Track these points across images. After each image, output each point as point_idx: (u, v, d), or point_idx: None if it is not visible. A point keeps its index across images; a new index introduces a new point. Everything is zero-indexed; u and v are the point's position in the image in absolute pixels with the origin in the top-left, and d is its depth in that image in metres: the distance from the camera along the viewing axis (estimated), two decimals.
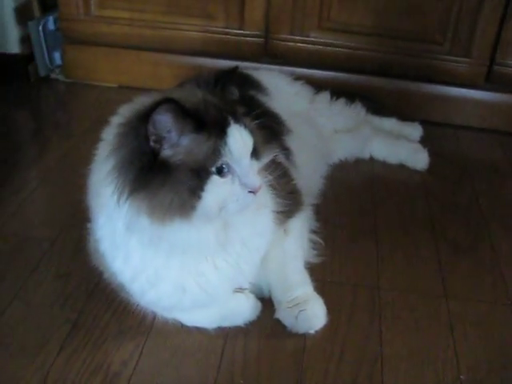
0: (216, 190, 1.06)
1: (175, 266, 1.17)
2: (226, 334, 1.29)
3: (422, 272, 1.52)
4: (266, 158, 1.23)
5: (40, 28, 2.35)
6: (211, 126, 1.06)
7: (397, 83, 2.25)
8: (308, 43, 2.20)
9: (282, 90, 1.89)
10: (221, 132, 1.06)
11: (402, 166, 1.99)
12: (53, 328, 1.28)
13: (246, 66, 2.06)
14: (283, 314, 1.31)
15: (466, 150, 2.15)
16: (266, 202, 1.27)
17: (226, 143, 1.06)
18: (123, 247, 1.16)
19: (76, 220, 1.54)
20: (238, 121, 1.09)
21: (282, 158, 1.52)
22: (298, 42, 2.21)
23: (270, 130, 1.53)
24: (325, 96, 1.99)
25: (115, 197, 1.06)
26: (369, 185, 1.88)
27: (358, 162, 2.00)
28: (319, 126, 1.91)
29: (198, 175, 1.04)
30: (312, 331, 1.30)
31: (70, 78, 2.44)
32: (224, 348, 1.26)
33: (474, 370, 1.25)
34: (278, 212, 1.32)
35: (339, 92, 2.05)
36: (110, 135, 1.13)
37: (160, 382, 1.18)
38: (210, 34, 2.25)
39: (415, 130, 2.10)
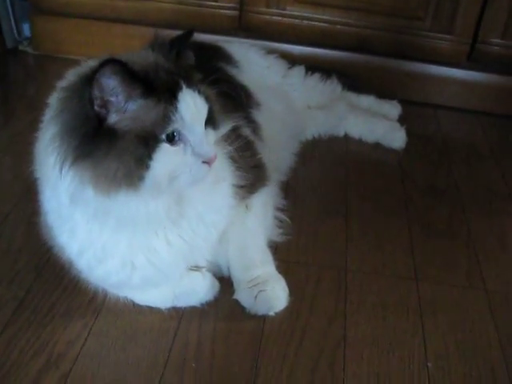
0: (166, 159, 0.98)
1: (123, 241, 1.10)
2: (180, 314, 1.22)
3: (393, 254, 1.45)
4: (225, 128, 1.16)
5: None
6: (161, 90, 0.99)
7: (375, 60, 2.18)
8: (284, 16, 2.12)
9: (253, 63, 1.81)
10: (171, 97, 0.99)
11: (377, 145, 1.93)
12: None
13: (219, 39, 1.99)
14: (242, 295, 1.24)
15: (445, 131, 2.08)
16: (225, 176, 1.20)
17: (176, 109, 0.99)
18: (68, 221, 1.09)
19: (33, 193, 1.46)
20: (190, 86, 1.02)
21: (247, 131, 1.45)
22: (273, 15, 2.12)
23: (235, 102, 1.47)
24: (299, 70, 1.92)
25: (57, 166, 0.99)
26: (342, 163, 1.81)
27: (332, 139, 1.93)
28: (292, 101, 1.84)
29: (146, 143, 0.97)
30: (272, 313, 1.23)
31: (38, 51, 2.34)
32: (177, 329, 1.19)
33: (442, 358, 1.19)
34: (238, 186, 1.25)
35: (315, 68, 1.97)
36: (54, 100, 1.05)
37: (107, 363, 1.11)
38: (183, 6, 2.15)
39: (394, 109, 2.03)
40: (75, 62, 1.09)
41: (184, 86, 1.00)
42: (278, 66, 1.89)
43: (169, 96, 0.99)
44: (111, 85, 0.95)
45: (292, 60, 1.99)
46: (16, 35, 2.33)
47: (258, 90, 1.68)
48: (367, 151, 1.90)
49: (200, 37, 1.90)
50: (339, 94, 1.98)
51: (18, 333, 1.15)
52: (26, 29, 2.35)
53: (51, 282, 1.27)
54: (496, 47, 2.09)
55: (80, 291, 1.24)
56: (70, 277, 1.24)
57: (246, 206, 1.31)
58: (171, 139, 0.99)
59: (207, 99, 1.05)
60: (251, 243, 1.29)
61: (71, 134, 0.98)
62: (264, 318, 1.23)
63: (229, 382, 1.10)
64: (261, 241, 1.32)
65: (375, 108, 2.02)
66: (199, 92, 1.03)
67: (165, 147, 0.98)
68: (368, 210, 1.60)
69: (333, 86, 1.96)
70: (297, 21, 2.12)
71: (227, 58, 1.75)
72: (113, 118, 0.97)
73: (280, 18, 2.12)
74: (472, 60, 2.13)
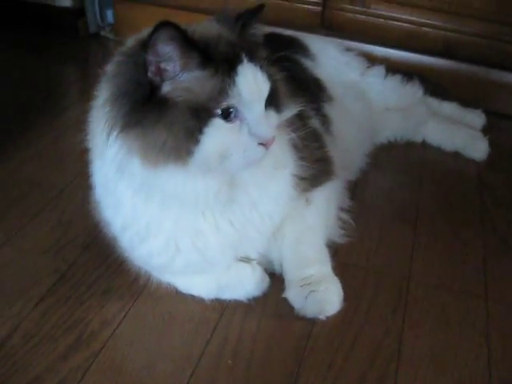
0: (218, 135, 0.91)
1: (169, 220, 1.03)
2: (223, 307, 1.14)
3: (462, 268, 1.31)
4: (290, 112, 1.07)
5: None
6: (220, 61, 0.92)
7: (461, 67, 2.02)
8: (368, 15, 2.01)
9: (330, 57, 1.71)
10: (230, 70, 0.92)
11: (457, 155, 1.77)
12: (38, 276, 1.18)
13: (298, 35, 1.91)
14: (292, 293, 1.14)
15: None
16: (286, 163, 1.11)
17: (234, 82, 0.91)
18: (113, 194, 1.05)
19: None
20: (253, 60, 0.94)
21: (315, 123, 1.36)
22: (357, 13, 2.02)
23: (306, 91, 1.37)
24: (379, 70, 1.80)
25: (105, 133, 0.94)
26: (417, 169, 1.67)
27: (409, 144, 1.80)
28: (369, 101, 1.72)
29: (198, 116, 0.90)
30: (322, 317, 1.12)
31: (119, 36, 2.35)
32: (218, 322, 1.11)
33: None
34: (300, 177, 1.16)
35: (396, 70, 1.85)
36: (110, 66, 1.01)
37: (139, 348, 1.04)
38: None
39: (477, 118, 1.87)
40: None
41: (245, 60, 0.93)
42: (357, 63, 1.78)
43: (227, 68, 0.92)
44: (167, 50, 0.89)
45: (372, 61, 1.87)
46: (99, 21, 2.36)
47: (332, 84, 1.59)
48: (445, 160, 1.75)
49: (278, 31, 1.84)
50: (420, 98, 1.84)
51: (54, 306, 1.11)
52: (110, 15, 2.37)
53: (95, 259, 1.23)
54: None
55: (123, 272, 1.18)
56: (114, 256, 1.19)
57: (307, 200, 1.21)
58: (226, 115, 0.92)
59: (270, 78, 0.97)
60: (308, 239, 1.20)
61: (122, 99, 0.93)
62: (313, 322, 1.12)
63: None
64: (319, 238, 1.21)
65: (458, 116, 1.87)
66: (261, 68, 0.95)
67: (218, 122, 0.91)
68: (440, 220, 1.46)
69: (414, 90, 1.83)
70: (381, 20, 2.01)
71: (303, 49, 1.66)
72: (166, 88, 0.91)
73: (364, 17, 2.02)
74: None
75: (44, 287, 1.15)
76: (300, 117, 1.31)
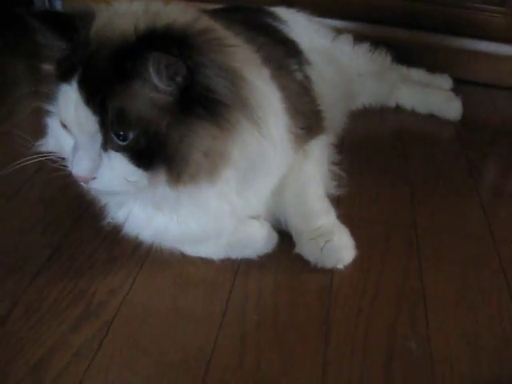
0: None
1: None
2: (236, 266, 1.08)
3: (464, 215, 1.30)
4: None
5: None
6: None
7: (423, 36, 2.04)
8: None
9: (301, 25, 1.67)
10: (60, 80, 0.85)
11: (431, 117, 1.78)
12: (29, 252, 1.07)
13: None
14: (306, 247, 1.09)
15: (500, 110, 1.93)
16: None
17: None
18: None
19: None
20: (87, 86, 0.81)
21: (301, 77, 1.32)
22: None
23: (287, 48, 1.34)
24: (347, 37, 1.78)
25: None
26: (397, 133, 1.66)
27: (383, 110, 1.79)
28: (342, 66, 1.70)
29: None
30: (341, 265, 1.08)
31: None
32: (234, 281, 1.04)
33: None
34: (297, 131, 1.11)
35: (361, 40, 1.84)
36: None
37: (154, 312, 0.96)
38: None
39: (445, 82, 1.90)
40: None
41: (74, 80, 0.83)
42: (326, 31, 1.76)
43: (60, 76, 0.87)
44: None
45: None
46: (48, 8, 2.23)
47: (307, 48, 1.56)
48: (422, 122, 1.75)
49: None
50: (389, 64, 1.84)
51: (53, 279, 1.02)
52: (58, 5, 2.25)
53: (89, 230, 1.13)
54: None
55: (122, 240, 1.09)
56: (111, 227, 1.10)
57: (304, 152, 1.17)
58: None
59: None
60: (310, 191, 1.14)
61: None
62: (331, 273, 1.07)
63: (299, 336, 0.94)
64: (320, 188, 1.17)
65: (426, 81, 1.88)
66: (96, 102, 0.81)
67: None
68: (431, 175, 1.45)
69: (382, 56, 1.82)
70: None
71: (274, 16, 1.62)
72: None
73: None
74: None
75: (38, 261, 1.05)
76: (287, 70, 1.28)
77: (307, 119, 1.17)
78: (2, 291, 0.97)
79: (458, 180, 1.44)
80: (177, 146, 0.83)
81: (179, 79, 0.82)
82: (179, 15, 0.88)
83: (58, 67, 0.85)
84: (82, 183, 0.88)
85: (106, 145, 0.83)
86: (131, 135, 0.82)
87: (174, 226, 0.99)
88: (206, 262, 1.07)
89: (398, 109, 1.80)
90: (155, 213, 1.00)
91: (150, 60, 0.78)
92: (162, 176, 0.86)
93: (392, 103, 1.81)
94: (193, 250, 1.08)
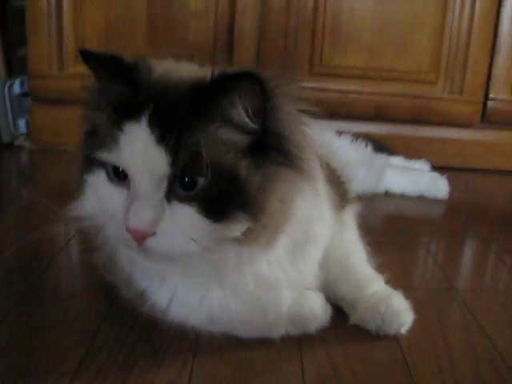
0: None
1: None
2: (297, 341, 0.98)
3: (494, 272, 1.32)
4: None
5: (5, 90, 2.13)
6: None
7: (392, 128, 2.14)
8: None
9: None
10: (119, 121, 0.78)
11: (421, 198, 1.82)
12: (62, 354, 0.93)
13: None
14: (365, 316, 1.02)
15: (476, 191, 2.01)
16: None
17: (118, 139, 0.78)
18: None
19: None
20: (158, 126, 0.75)
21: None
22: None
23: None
24: (330, 130, 1.84)
25: None
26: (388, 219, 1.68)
27: (375, 198, 1.81)
28: (332, 154, 1.73)
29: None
30: (403, 330, 1.01)
31: (37, 143, 2.18)
32: (301, 356, 0.94)
33: None
34: (334, 198, 1.09)
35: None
36: None
37: None
38: None
39: (424, 165, 1.99)
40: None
41: (144, 119, 0.77)
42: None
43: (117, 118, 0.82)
44: None
45: None
46: (12, 129, 2.18)
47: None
48: (415, 205, 1.79)
49: None
50: (371, 153, 1.90)
51: (97, 378, 0.87)
52: (23, 125, 2.21)
53: (122, 323, 1.01)
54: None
55: (162, 331, 0.98)
56: (146, 317, 0.99)
57: (341, 221, 1.13)
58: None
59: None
60: (357, 258, 1.11)
61: None
62: (397, 338, 1.00)
63: None
64: (364, 255, 1.13)
65: (407, 166, 1.95)
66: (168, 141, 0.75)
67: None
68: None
69: (364, 145, 1.88)
70: (313, 92, 2.09)
71: None
72: None
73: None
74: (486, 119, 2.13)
75: (73, 362, 0.90)
76: None
77: (338, 188, 1.16)
78: None
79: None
80: (255, 192, 0.78)
81: (259, 119, 0.79)
82: None
83: (118, 109, 0.79)
84: (135, 243, 0.78)
85: (170, 194, 0.77)
86: (201, 181, 0.76)
87: (234, 303, 0.91)
88: (262, 342, 0.97)
89: (388, 195, 1.83)
90: (210, 288, 0.91)
91: (235, 95, 0.75)
92: (235, 228, 0.79)
93: (381, 189, 1.84)
94: (249, 329, 0.98)
